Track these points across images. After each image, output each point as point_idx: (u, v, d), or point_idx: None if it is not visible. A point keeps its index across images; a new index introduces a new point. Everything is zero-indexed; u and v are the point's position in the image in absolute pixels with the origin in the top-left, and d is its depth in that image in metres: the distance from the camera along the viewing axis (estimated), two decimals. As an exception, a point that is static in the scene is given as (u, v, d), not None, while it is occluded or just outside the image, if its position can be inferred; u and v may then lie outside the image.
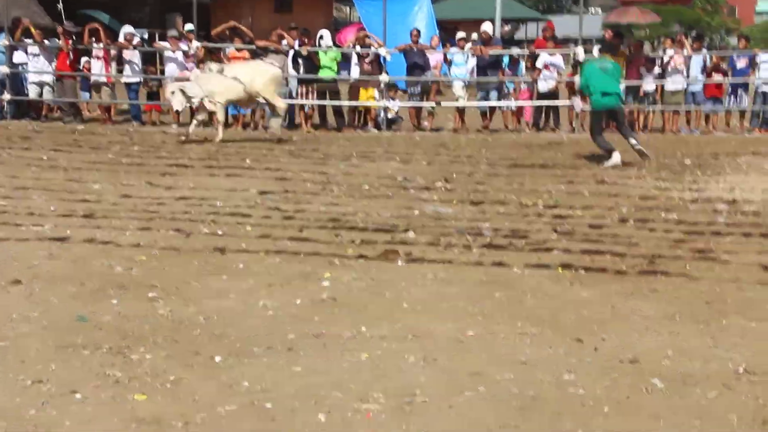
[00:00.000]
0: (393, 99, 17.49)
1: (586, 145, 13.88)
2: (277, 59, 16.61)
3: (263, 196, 9.83)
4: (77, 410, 4.26)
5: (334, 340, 5.31)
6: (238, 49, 17.01)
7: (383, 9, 17.47)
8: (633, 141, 12.49)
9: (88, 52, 17.47)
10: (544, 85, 17.19)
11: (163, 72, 17.91)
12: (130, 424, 4.12)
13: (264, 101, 14.92)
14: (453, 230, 8.24)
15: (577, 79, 16.65)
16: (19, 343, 5.14)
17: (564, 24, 31.52)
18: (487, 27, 17.82)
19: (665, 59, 17.03)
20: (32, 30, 17.46)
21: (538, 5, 54.15)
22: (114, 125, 17.11)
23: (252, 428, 4.12)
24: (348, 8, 39.46)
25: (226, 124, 15.57)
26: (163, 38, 19.36)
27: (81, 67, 17.59)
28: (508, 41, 21.35)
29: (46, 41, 17.39)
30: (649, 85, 17.05)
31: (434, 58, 17.82)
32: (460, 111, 17.56)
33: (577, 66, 16.73)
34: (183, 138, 14.34)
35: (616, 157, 12.18)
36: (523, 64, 17.53)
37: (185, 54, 17.13)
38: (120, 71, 17.96)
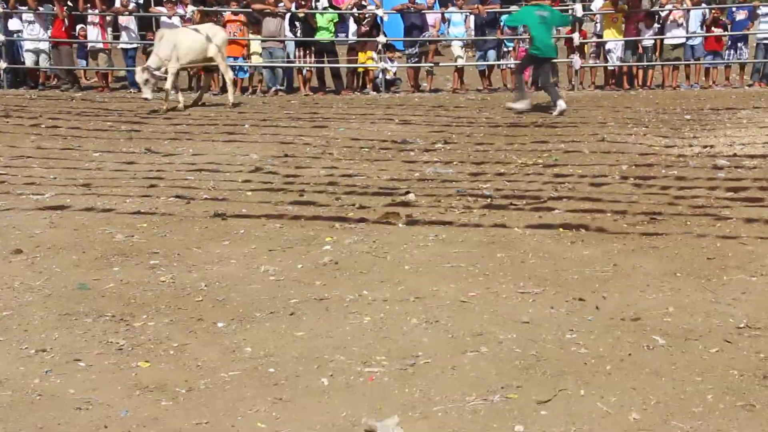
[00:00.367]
0: (391, 60, 17.39)
1: (585, 103, 13.83)
2: (274, 23, 16.50)
3: (263, 160, 9.81)
4: (81, 378, 4.28)
5: (336, 303, 5.32)
6: (235, 13, 16.87)
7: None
8: (562, 104, 12.93)
9: (83, 19, 17.34)
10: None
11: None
12: (133, 391, 4.14)
13: (215, 66, 14.70)
14: (454, 191, 8.22)
15: (576, 36, 16.60)
16: (23, 312, 5.16)
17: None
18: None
19: (664, 13, 16.88)
20: (26, -2, 17.32)
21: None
22: (112, 92, 17.03)
23: (255, 393, 4.13)
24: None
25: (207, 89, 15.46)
26: (158, 3, 19.19)
27: (77, 34, 17.47)
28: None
29: (40, 8, 17.25)
30: (647, 40, 16.93)
31: (432, 17, 17.68)
32: (459, 71, 17.44)
33: (576, 23, 16.62)
34: (181, 106, 14.21)
35: (521, 105, 13.19)
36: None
37: (182, 18, 16.99)
38: (116, 38, 17.84)
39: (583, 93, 16.24)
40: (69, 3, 17.29)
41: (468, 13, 17.24)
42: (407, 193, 8.17)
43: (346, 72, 17.38)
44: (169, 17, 17.10)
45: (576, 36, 16.71)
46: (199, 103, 14.54)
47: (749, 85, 16.89)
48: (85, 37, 17.33)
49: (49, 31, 17.20)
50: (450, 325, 4.97)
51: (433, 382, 4.24)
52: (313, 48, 16.79)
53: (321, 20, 16.91)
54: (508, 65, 17.29)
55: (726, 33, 16.97)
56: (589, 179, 8.68)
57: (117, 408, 3.98)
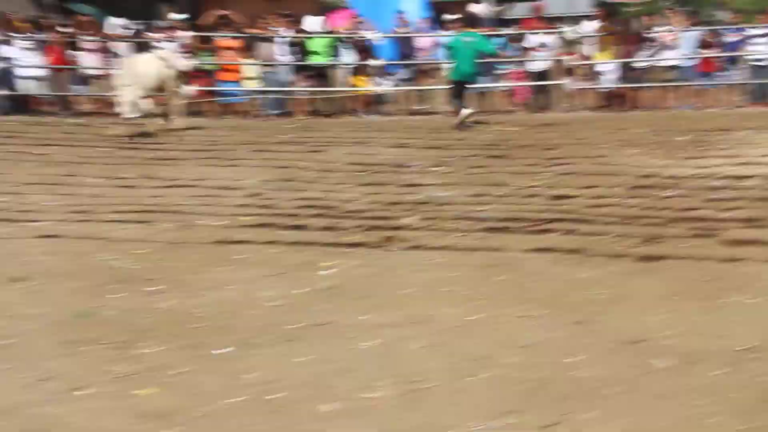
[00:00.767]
0: (384, 84, 17.40)
1: (579, 125, 13.86)
2: (268, 47, 16.54)
3: (261, 185, 9.79)
4: (82, 407, 4.26)
5: (337, 328, 5.30)
6: (229, 38, 16.91)
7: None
8: (465, 111, 14.50)
9: (76, 45, 17.33)
10: (536, 65, 17.11)
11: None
12: (134, 420, 4.11)
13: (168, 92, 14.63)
14: (452, 215, 8.21)
15: (567, 58, 16.65)
16: (22, 341, 5.13)
17: (554, 2, 31.38)
18: (474, 8, 17.70)
19: (657, 36, 16.94)
20: (20, 24, 17.31)
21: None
22: (107, 117, 16.99)
23: (257, 421, 4.11)
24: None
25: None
26: (151, 29, 19.19)
27: (71, 61, 17.46)
28: (497, 22, 21.25)
29: (34, 35, 17.25)
30: (640, 62, 16.98)
31: (424, 40, 17.70)
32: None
33: (569, 45, 16.68)
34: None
35: (464, 112, 14.45)
36: (514, 45, 17.42)
37: (178, 44, 16.99)
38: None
39: (577, 115, 16.26)
40: (64, 30, 17.29)
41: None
42: (405, 216, 8.15)
43: (340, 95, 17.40)
44: (163, 42, 17.10)
45: (568, 58, 16.76)
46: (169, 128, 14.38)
47: (741, 106, 16.92)
48: (80, 63, 17.32)
49: (43, 58, 17.19)
50: (452, 349, 4.95)
51: (437, 406, 4.22)
52: (308, 72, 16.83)
53: (315, 44, 16.96)
54: (503, 88, 17.33)
55: (718, 54, 17.03)
56: (586, 201, 8.68)
57: (118, 437, 3.95)
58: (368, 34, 17.04)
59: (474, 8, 17.70)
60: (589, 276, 6.29)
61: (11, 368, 4.74)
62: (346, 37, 17.26)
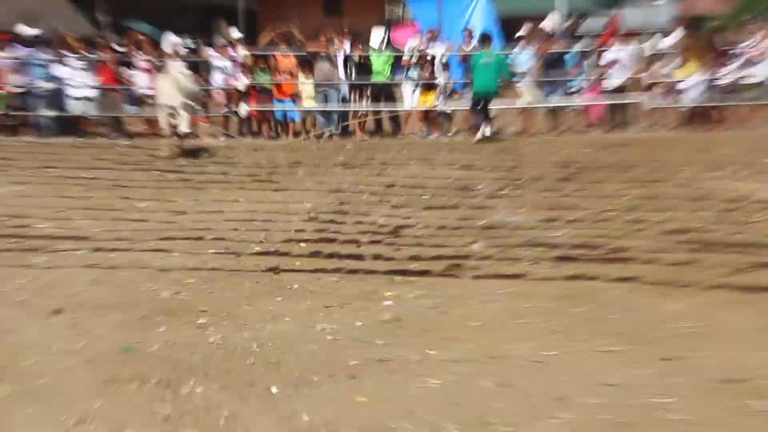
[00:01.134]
0: (450, 101, 17.29)
1: (660, 145, 13.56)
2: (327, 65, 16.54)
3: (317, 209, 9.69)
4: (124, 451, 4.12)
5: (400, 365, 5.12)
6: (286, 55, 16.94)
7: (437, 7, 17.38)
8: (485, 130, 15.67)
9: (130, 64, 17.52)
10: (611, 82, 16.87)
11: (208, 82, 17.89)
12: (181, 465, 3.96)
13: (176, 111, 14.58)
14: (523, 240, 8.01)
15: (645, 74, 16.37)
16: (62, 379, 5.01)
17: (631, 16, 31.10)
18: (548, 22, 17.55)
19: (741, 51, 16.59)
20: (73, 43, 17.55)
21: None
22: (159, 139, 17.11)
23: (314, 467, 3.93)
24: (401, 8, 39.42)
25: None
26: (208, 46, 19.33)
27: (124, 80, 17.64)
28: (571, 36, 20.99)
29: (87, 53, 17.47)
30: (725, 78, 16.63)
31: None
32: (524, 112, 17.29)
33: (648, 60, 16.41)
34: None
35: (483, 131, 15.58)
36: (588, 61, 17.22)
37: (233, 62, 17.09)
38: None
39: (656, 134, 15.96)
40: (118, 48, 17.49)
41: (532, 52, 17.11)
42: (473, 242, 7.98)
43: (404, 114, 17.33)
44: (221, 60, 17.20)
45: (646, 74, 16.50)
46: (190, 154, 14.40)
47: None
48: (133, 83, 17.49)
49: (95, 78, 17.39)
50: (526, 388, 4.74)
51: (511, 455, 4.00)
52: (368, 90, 16.80)
53: (376, 62, 16.93)
54: (576, 106, 17.10)
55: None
56: (668, 226, 8.41)
57: (162, 485, 3.80)
58: (434, 51, 16.95)
59: (545, 23, 17.49)
60: (677, 308, 6.03)
61: (48, 409, 4.62)
62: (411, 54, 17.19)
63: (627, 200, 9.72)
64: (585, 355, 5.21)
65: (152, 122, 17.32)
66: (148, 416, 4.50)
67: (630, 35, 18.77)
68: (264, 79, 17.02)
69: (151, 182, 11.75)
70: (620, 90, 16.95)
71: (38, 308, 6.29)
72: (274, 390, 4.80)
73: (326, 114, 16.95)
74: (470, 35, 17.42)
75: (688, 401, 4.52)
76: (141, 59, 17.32)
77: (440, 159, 13.33)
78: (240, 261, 7.60)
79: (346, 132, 17.07)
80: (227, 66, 17.18)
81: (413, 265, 7.31)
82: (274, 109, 17.04)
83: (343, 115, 17.20)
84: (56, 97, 17.46)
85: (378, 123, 17.39)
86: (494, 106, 17.11)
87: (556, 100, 17.07)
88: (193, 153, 14.09)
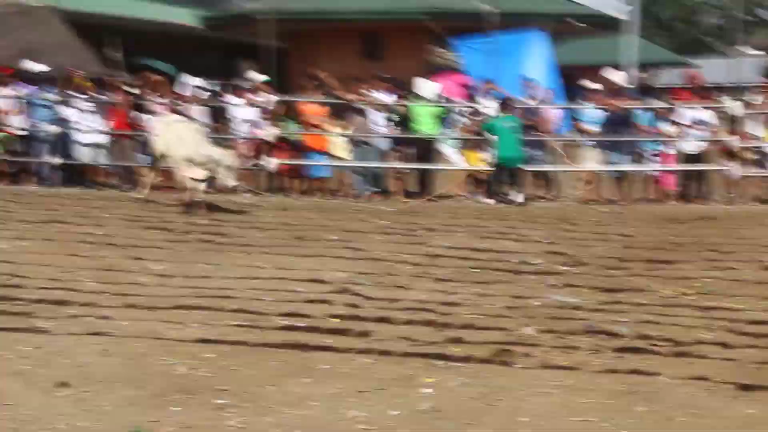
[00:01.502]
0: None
1: (746, 220, 13.62)
2: (359, 115, 16.76)
3: (351, 280, 9.86)
4: None
5: (439, 461, 5.25)
6: (320, 103, 17.14)
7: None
8: (517, 198, 16.49)
9: (144, 108, 17.64)
10: (689, 146, 16.88)
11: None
12: None
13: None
14: (582, 326, 8.12)
15: (728, 138, 16.39)
16: (65, 461, 5.20)
17: (712, 68, 31.16)
18: (615, 74, 17.68)
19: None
20: (82, 83, 17.83)
21: (679, 46, 53.26)
22: (174, 193, 17.33)
23: None
24: (447, 53, 39.56)
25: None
26: (230, 88, 19.49)
27: (137, 125, 17.82)
28: (644, 91, 21.13)
29: (96, 94, 17.70)
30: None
31: (551, 113, 17.71)
32: (588, 177, 17.38)
33: (732, 121, 16.44)
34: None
35: (515, 199, 16.44)
36: (663, 121, 17.27)
37: (261, 109, 17.23)
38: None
39: (741, 208, 15.98)
40: (131, 90, 17.72)
41: (598, 108, 17.21)
42: (525, 326, 8.10)
43: (450, 175, 17.47)
44: (245, 106, 17.41)
45: (729, 138, 16.54)
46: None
47: None
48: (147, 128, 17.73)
49: (105, 122, 17.59)
50: (580, 494, 4.86)
51: None
52: (410, 145, 16.96)
53: (422, 113, 17.06)
54: (648, 171, 17.17)
55: None
56: (754, 316, 8.47)
57: None
58: (486, 104, 17.13)
59: (611, 74, 17.69)
60: (756, 413, 6.08)
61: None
62: (461, 107, 17.36)
63: (704, 284, 9.80)
64: (647, 460, 5.33)
65: (169, 173, 17.56)
66: (161, 506, 4.67)
67: (711, 91, 18.83)
68: (293, 129, 17.20)
69: (166, 242, 11.97)
70: (699, 155, 16.96)
71: (42, 379, 6.50)
72: (299, 484, 4.96)
73: (362, 170, 17.10)
74: (532, 86, 17.64)
75: None
76: (157, 102, 17.51)
77: (492, 228, 13.46)
78: (264, 335, 7.76)
79: (384, 192, 17.20)
80: (252, 113, 17.33)
81: (457, 349, 7.42)
82: (306, 163, 17.18)
83: (381, 173, 17.34)
84: (62, 142, 17.59)
85: (422, 183, 17.54)
86: (554, 168, 17.30)
87: (624, 165, 17.14)
88: (214, 210, 14.33)
